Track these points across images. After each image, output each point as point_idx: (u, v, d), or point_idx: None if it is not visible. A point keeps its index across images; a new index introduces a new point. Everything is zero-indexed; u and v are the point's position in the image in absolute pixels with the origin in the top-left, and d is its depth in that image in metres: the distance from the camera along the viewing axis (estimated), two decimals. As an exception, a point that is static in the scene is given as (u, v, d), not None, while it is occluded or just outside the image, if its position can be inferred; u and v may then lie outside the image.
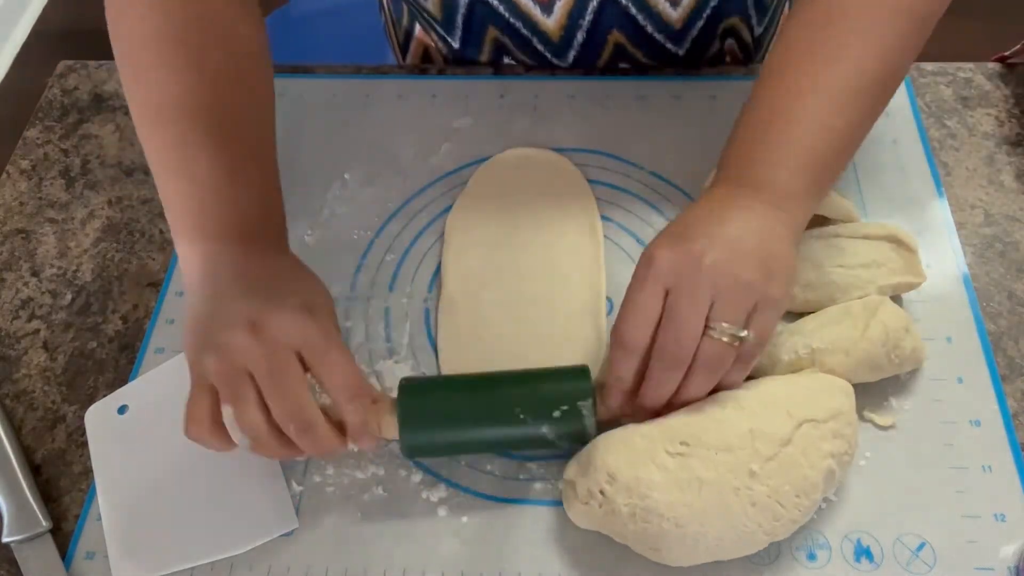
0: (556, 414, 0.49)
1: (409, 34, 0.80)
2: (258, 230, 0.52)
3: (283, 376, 0.45)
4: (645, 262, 0.47)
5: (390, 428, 0.49)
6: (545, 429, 0.49)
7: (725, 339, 0.45)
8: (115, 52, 0.53)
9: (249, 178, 0.52)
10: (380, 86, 0.74)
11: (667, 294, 0.46)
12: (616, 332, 0.48)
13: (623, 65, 0.75)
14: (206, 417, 0.47)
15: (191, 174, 0.50)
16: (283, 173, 0.69)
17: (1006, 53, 0.73)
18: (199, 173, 0.50)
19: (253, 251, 0.51)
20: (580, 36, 0.71)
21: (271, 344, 0.45)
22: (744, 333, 0.46)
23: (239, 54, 0.54)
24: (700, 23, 0.71)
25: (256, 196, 0.53)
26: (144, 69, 0.52)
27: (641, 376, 0.48)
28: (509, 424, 0.49)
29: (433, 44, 0.78)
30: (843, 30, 0.50)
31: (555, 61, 0.74)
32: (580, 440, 0.50)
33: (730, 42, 0.76)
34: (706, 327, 0.45)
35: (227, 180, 0.51)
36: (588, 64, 0.74)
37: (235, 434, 0.47)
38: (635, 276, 0.47)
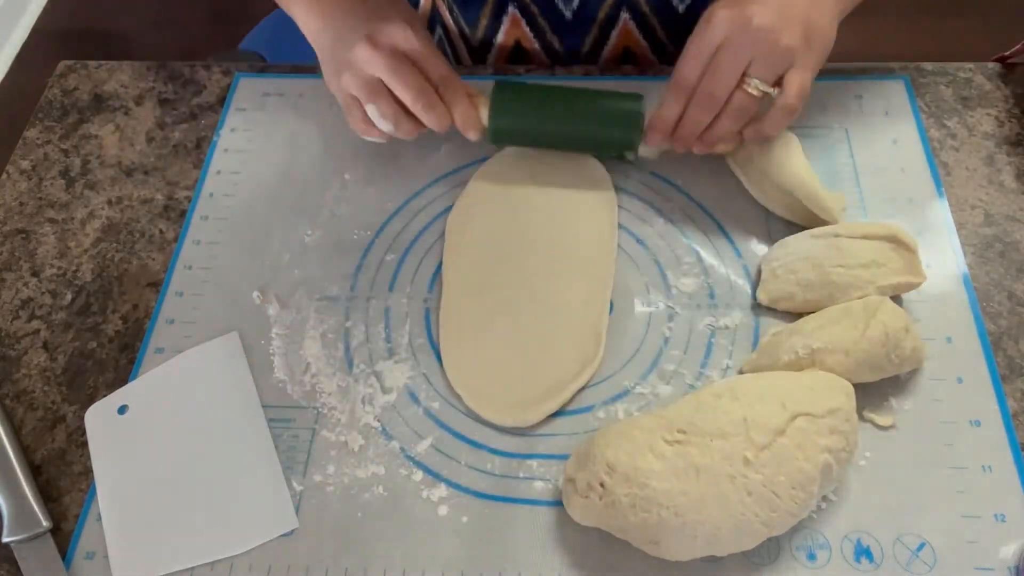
0: (611, 120, 0.62)
1: None
2: None
3: (402, 71, 0.58)
4: (705, 20, 0.55)
5: (483, 115, 0.62)
6: (601, 129, 0.63)
7: (754, 92, 0.55)
8: None
9: None
10: (380, 86, 0.74)
11: (717, 49, 0.54)
12: (672, 77, 0.58)
13: (624, 15, 0.75)
14: (360, 121, 0.61)
15: None
16: (283, 173, 0.69)
17: (1006, 53, 0.72)
18: None
19: None
20: None
21: (386, 49, 0.57)
22: (772, 91, 0.55)
23: None
24: None
25: None
26: None
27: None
28: (574, 122, 0.63)
29: None
30: None
31: (560, 4, 0.74)
32: (625, 145, 0.63)
33: None
34: (742, 79, 0.54)
35: None
36: (591, 12, 0.74)
37: (380, 124, 0.60)
38: (695, 32, 0.56)
